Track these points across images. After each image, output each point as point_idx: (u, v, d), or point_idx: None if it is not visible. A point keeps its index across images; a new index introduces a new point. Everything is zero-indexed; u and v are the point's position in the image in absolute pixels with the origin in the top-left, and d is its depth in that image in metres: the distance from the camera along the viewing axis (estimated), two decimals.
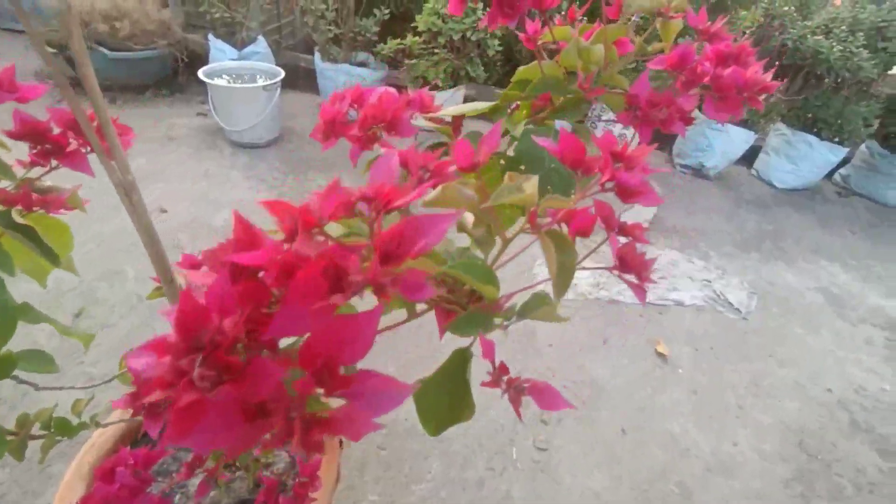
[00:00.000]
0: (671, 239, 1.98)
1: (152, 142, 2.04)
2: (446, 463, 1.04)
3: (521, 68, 0.47)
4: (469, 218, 0.29)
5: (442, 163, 0.25)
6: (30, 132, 0.34)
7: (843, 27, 2.11)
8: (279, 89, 2.11)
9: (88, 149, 0.38)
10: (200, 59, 2.44)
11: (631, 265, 0.28)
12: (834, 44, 2.06)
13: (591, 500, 1.02)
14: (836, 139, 2.36)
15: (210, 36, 2.43)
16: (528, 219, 0.25)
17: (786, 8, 2.08)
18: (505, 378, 0.24)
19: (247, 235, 0.16)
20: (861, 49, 2.03)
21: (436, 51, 2.33)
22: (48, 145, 0.35)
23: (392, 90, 0.36)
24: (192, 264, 0.52)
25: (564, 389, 1.24)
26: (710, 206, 2.29)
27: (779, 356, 1.47)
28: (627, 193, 0.26)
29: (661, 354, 1.40)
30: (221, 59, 2.30)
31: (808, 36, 2.07)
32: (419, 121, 0.46)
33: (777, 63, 2.26)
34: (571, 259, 0.26)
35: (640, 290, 0.28)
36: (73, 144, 0.36)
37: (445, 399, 0.27)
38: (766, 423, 1.25)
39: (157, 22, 2.40)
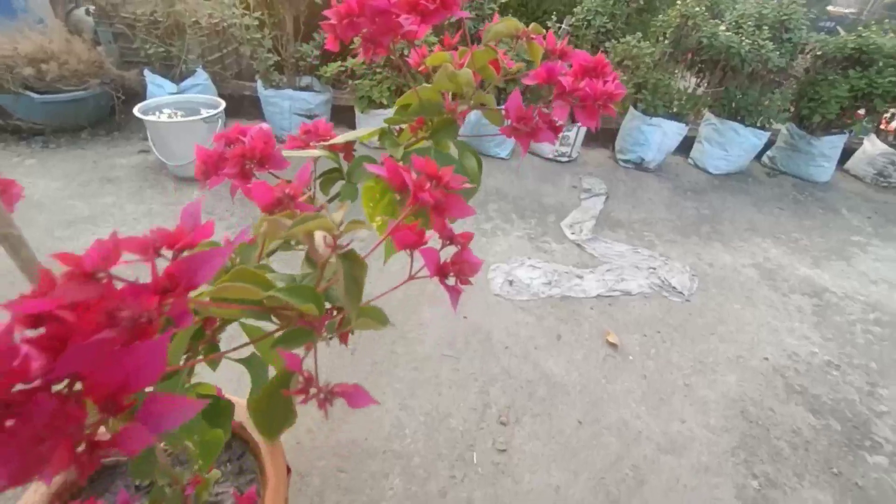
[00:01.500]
0: (618, 232, 2.07)
1: (90, 184, 1.98)
2: (407, 478, 1.05)
3: (405, 94, 0.51)
4: (320, 241, 0.31)
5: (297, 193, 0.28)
6: None
7: (750, 23, 2.29)
8: (221, 120, 2.10)
9: None
10: (138, 95, 2.39)
11: (454, 269, 0.31)
12: (743, 38, 2.23)
13: (550, 496, 1.05)
14: (759, 124, 2.55)
15: (146, 71, 2.39)
16: (330, 242, 0.27)
17: (697, 8, 2.24)
18: (313, 388, 0.26)
19: (48, 285, 0.18)
20: (767, 41, 2.21)
21: (377, 70, 2.37)
22: None
23: (266, 128, 0.39)
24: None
25: (521, 389, 1.28)
26: (652, 197, 2.41)
27: (720, 333, 1.56)
28: (439, 210, 0.29)
29: (611, 344, 1.46)
30: (160, 94, 2.26)
31: (720, 33, 2.24)
32: (316, 150, 0.49)
33: (697, 58, 2.42)
34: (361, 273, 0.28)
35: (455, 292, 0.31)
36: None
37: (274, 411, 0.29)
38: (711, 398, 1.32)
39: (87, 62, 2.34)
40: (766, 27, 2.26)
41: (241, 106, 2.84)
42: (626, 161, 2.73)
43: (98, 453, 0.18)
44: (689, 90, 2.52)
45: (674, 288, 1.76)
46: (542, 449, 1.14)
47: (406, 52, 0.43)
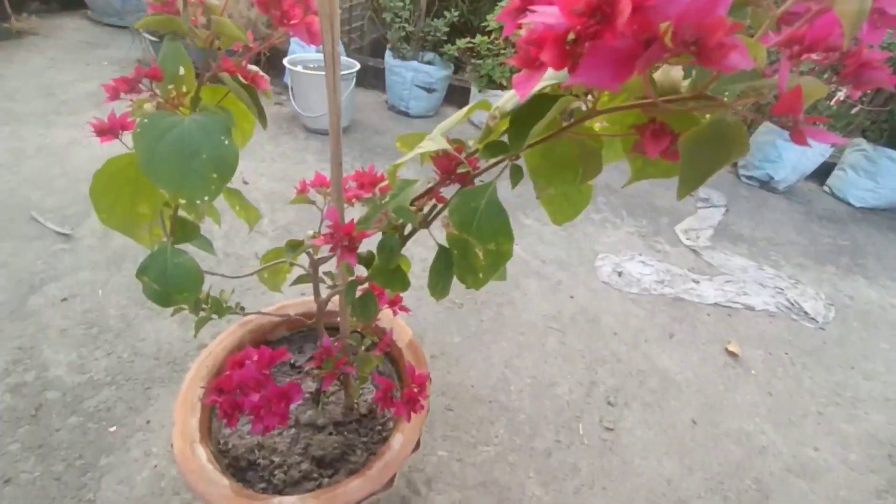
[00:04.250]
0: (739, 246, 1.91)
1: None
2: (512, 430, 1.04)
3: None
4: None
5: None
6: (270, 1, 0.41)
7: None
8: (353, 80, 2.23)
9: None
10: (280, 53, 2.62)
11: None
12: None
13: (662, 486, 0.98)
14: None
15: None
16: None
17: None
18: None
19: None
20: None
21: (503, 51, 2.39)
22: (281, 13, 0.41)
23: None
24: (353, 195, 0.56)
25: (631, 375, 1.22)
26: (779, 218, 2.19)
27: (862, 369, 1.38)
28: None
29: (731, 353, 1.35)
30: (301, 53, 2.45)
31: None
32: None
33: None
34: (762, 54, 0.26)
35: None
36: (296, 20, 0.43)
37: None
38: (851, 433, 1.17)
39: (245, 19, 2.61)
40: None
41: (364, 76, 3.00)
42: (749, 177, 2.51)
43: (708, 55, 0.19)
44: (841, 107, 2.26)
45: (806, 313, 1.58)
46: (652, 438, 1.07)
47: None
